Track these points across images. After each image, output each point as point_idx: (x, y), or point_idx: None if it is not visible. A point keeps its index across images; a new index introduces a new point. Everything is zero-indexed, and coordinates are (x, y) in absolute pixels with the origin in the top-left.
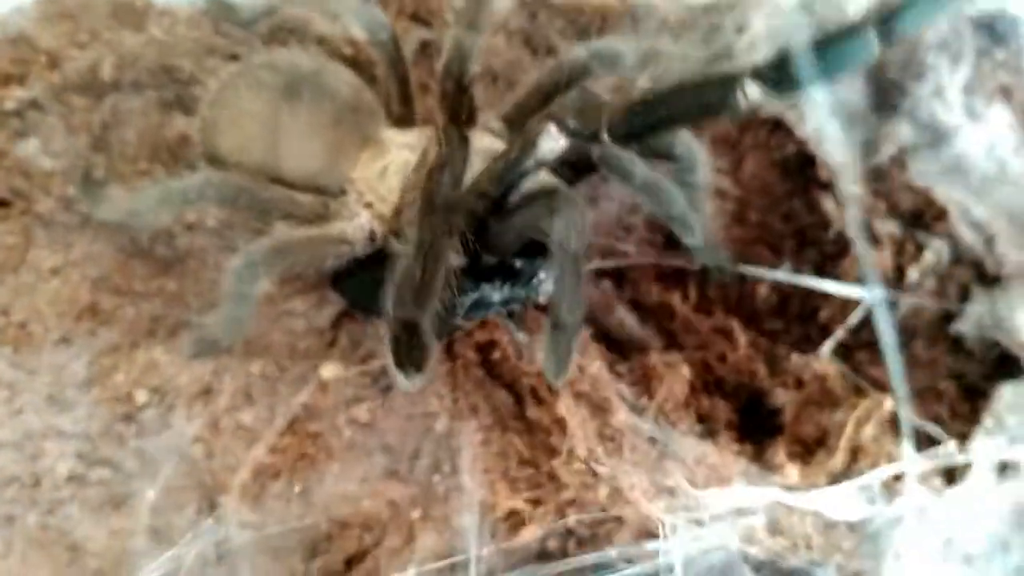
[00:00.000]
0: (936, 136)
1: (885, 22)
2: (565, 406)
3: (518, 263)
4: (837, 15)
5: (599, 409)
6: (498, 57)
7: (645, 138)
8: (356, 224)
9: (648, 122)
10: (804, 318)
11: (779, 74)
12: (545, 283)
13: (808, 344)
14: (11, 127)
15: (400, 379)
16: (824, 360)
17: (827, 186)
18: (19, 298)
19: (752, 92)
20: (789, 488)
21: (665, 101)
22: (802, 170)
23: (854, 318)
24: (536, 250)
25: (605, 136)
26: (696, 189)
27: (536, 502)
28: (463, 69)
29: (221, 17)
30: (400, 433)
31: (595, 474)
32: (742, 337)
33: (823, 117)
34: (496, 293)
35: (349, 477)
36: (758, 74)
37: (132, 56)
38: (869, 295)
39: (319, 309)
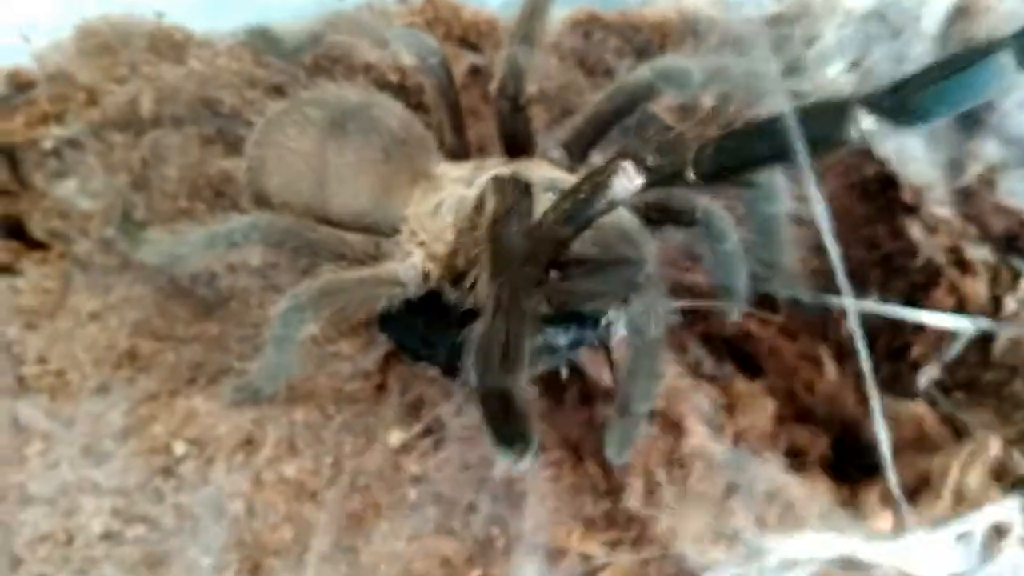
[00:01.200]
0: None
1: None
2: None
3: (584, 307)
4: (911, 24)
5: (673, 428)
6: (551, 80)
7: (734, 176)
8: (409, 264)
9: (742, 159)
10: (894, 355)
11: (897, 103)
12: (616, 326)
13: (900, 384)
14: (49, 167)
15: (505, 460)
16: (920, 401)
17: (912, 209)
18: (56, 344)
19: (866, 122)
20: (874, 536)
21: (761, 135)
22: (884, 193)
23: (950, 352)
24: (604, 295)
25: (690, 174)
26: (775, 219)
27: (615, 543)
28: (519, 87)
29: (263, 48)
30: (454, 484)
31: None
32: (831, 365)
33: (904, 135)
34: (562, 337)
35: (399, 535)
36: (872, 103)
37: (171, 90)
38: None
39: (366, 352)
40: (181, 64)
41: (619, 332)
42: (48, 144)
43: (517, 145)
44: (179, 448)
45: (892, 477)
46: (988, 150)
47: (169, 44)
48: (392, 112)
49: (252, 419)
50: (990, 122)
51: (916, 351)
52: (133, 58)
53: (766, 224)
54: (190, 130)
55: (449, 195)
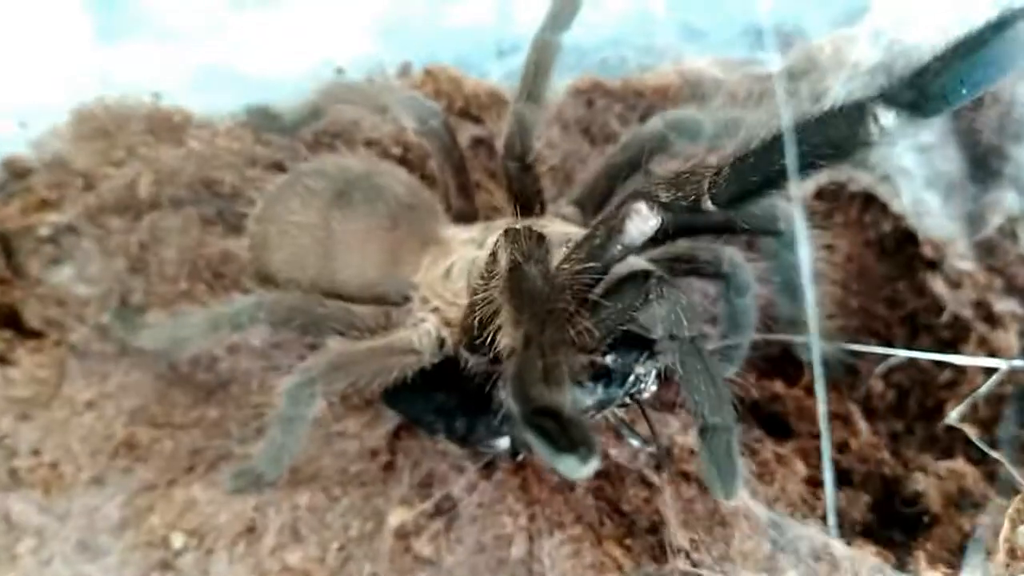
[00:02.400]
0: None
1: None
2: (668, 494)
3: (610, 359)
4: None
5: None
6: (556, 149)
7: (755, 197)
8: (422, 331)
9: (760, 177)
10: (928, 415)
11: (916, 94)
12: (646, 380)
13: (935, 445)
14: (46, 254)
15: (570, 467)
16: (959, 460)
17: (934, 264)
18: (51, 436)
19: (886, 119)
20: None
21: (778, 149)
22: (902, 249)
23: (985, 388)
24: (628, 344)
25: (707, 203)
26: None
27: None
28: (526, 145)
29: (262, 126)
30: (470, 568)
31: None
32: (862, 423)
33: (919, 189)
34: (588, 397)
35: None
36: (889, 97)
37: (170, 171)
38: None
39: (372, 428)
40: (180, 145)
41: (650, 387)
42: (44, 231)
43: (527, 205)
44: (177, 540)
45: (828, 477)
46: (1007, 201)
47: (167, 126)
48: (397, 178)
49: (254, 506)
50: (1006, 173)
51: (950, 408)
52: (130, 141)
53: (787, 274)
54: (190, 211)
55: (460, 257)
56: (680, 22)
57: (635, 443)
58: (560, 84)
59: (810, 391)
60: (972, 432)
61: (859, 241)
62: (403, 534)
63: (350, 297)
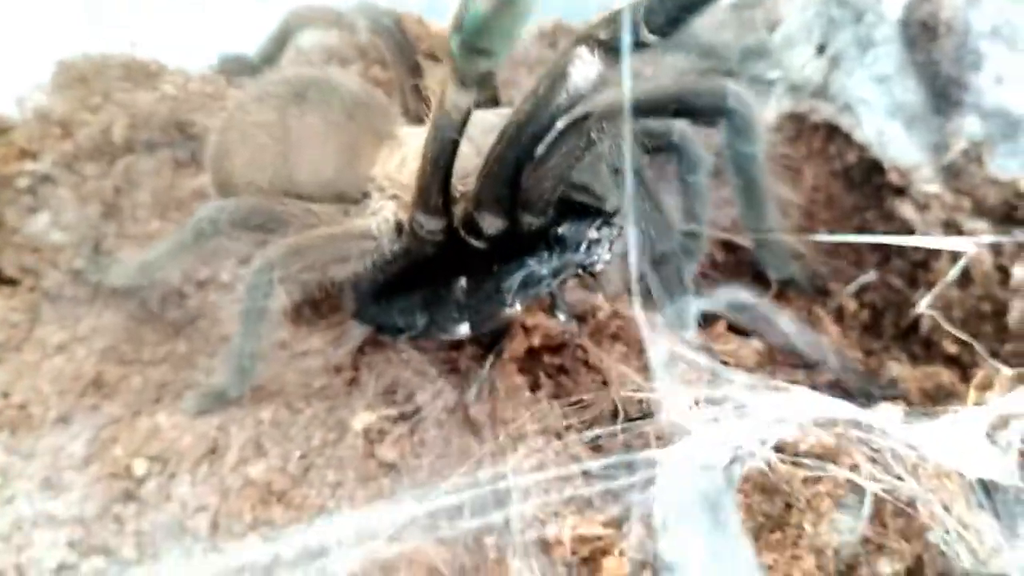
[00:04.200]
0: (1009, 125)
1: None
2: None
3: (562, 229)
4: (872, 6)
5: None
6: (520, 89)
7: (686, 19)
8: (380, 218)
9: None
10: (904, 335)
11: None
12: (600, 248)
13: (914, 357)
14: (23, 204)
15: None
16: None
17: (901, 190)
18: (21, 378)
19: None
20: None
21: None
22: (868, 179)
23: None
24: (581, 213)
25: (647, 34)
26: (753, 160)
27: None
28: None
29: (234, 71)
30: (434, 474)
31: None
32: (832, 327)
33: (881, 120)
34: (544, 266)
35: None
36: None
37: (145, 115)
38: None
39: (336, 346)
40: (155, 91)
41: (603, 258)
42: (23, 183)
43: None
44: (140, 468)
45: None
46: (970, 127)
47: (143, 73)
48: (353, 81)
49: (217, 425)
50: (966, 101)
51: (926, 324)
52: (107, 87)
53: (743, 165)
54: (163, 154)
55: (412, 148)
56: None
57: (561, 317)
58: (526, 29)
59: (779, 298)
60: (941, 319)
61: (825, 172)
62: (368, 439)
63: (309, 197)
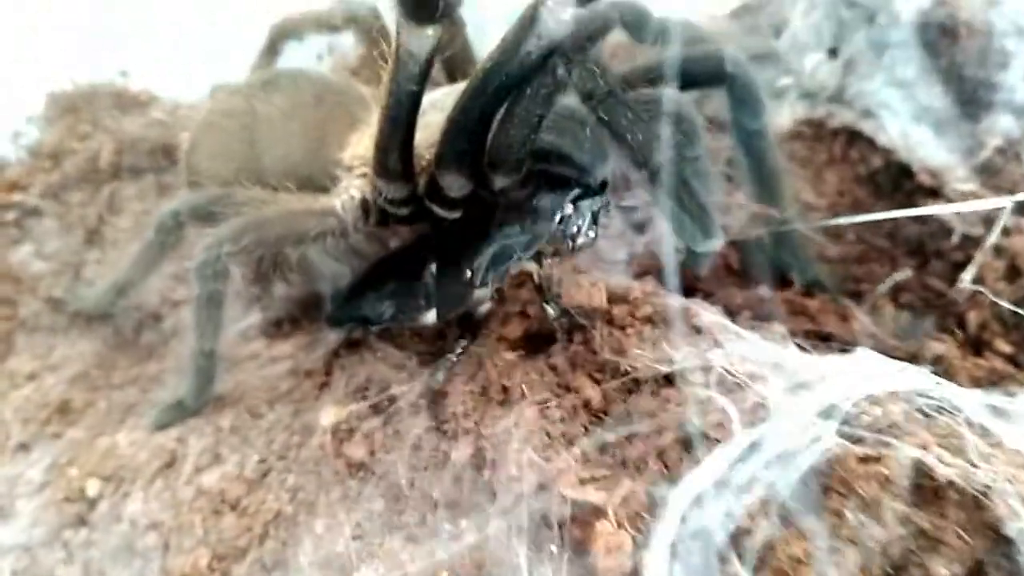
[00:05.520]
0: None
1: None
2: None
3: (535, 200)
4: (884, 7)
5: None
6: None
7: None
8: (347, 196)
9: None
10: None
11: None
12: (578, 221)
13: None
14: (8, 236)
15: None
16: None
17: (935, 192)
18: None
19: None
20: None
21: None
22: (898, 185)
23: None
24: (556, 183)
25: None
26: (762, 137)
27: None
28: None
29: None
30: (408, 468)
31: None
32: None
33: (906, 124)
34: (514, 239)
35: (336, 537)
36: None
37: (131, 140)
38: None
39: (308, 352)
40: (143, 118)
41: (586, 232)
42: (10, 215)
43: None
44: (93, 488)
45: None
46: (1002, 125)
47: (134, 103)
48: (327, 73)
49: (175, 437)
50: (997, 100)
51: (973, 318)
52: (96, 115)
53: (751, 143)
54: (148, 179)
55: None
56: None
57: (550, 310)
58: None
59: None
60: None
61: (849, 177)
62: (337, 438)
63: (277, 184)
